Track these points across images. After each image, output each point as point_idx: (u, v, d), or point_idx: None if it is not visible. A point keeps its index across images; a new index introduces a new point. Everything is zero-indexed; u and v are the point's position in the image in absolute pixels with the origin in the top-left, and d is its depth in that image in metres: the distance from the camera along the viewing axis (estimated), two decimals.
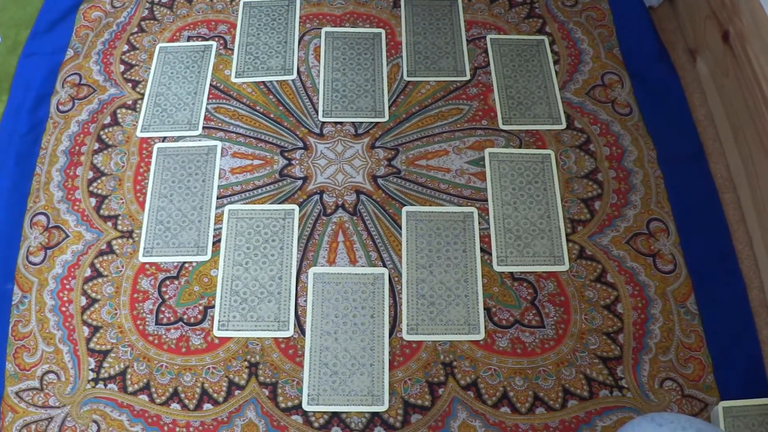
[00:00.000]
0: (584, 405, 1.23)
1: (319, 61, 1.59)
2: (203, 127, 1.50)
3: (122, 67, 1.59)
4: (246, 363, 1.26)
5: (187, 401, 1.23)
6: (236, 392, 1.24)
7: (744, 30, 1.37)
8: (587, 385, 1.24)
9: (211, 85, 1.56)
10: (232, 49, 1.61)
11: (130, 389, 1.25)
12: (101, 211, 1.41)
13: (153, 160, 1.46)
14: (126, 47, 1.62)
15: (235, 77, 1.56)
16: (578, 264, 1.35)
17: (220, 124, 1.51)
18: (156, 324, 1.30)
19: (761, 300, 1.31)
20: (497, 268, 1.34)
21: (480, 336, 1.28)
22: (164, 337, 1.29)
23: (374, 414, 1.22)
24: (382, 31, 1.63)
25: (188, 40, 1.62)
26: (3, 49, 1.62)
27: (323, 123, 1.51)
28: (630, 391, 1.24)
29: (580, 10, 1.66)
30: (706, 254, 1.36)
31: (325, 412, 1.23)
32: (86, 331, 1.30)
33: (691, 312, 1.30)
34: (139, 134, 1.49)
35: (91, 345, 1.28)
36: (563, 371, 1.25)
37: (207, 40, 1.62)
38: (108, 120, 1.51)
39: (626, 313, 1.30)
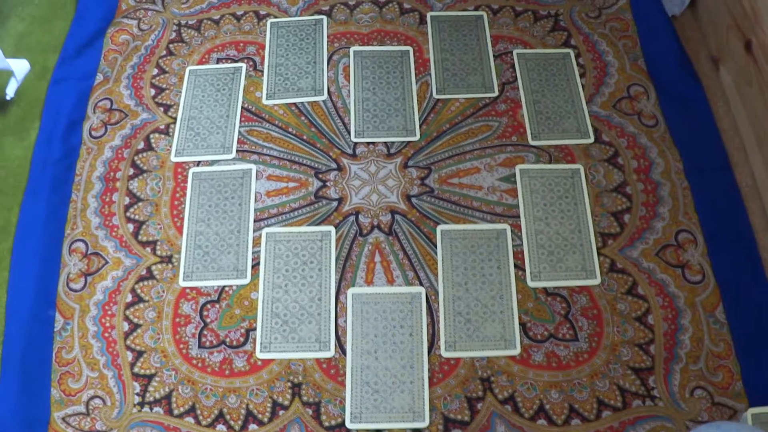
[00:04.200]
0: (618, 415, 1.25)
1: (348, 81, 1.60)
2: (237, 151, 1.52)
3: (153, 91, 1.60)
4: (289, 383, 1.29)
5: (232, 422, 1.26)
6: (280, 412, 1.27)
7: (766, 39, 1.38)
8: (620, 395, 1.27)
9: (242, 107, 1.57)
10: (262, 71, 1.62)
11: (175, 412, 1.27)
12: (139, 237, 1.43)
13: (188, 185, 1.48)
14: (156, 71, 1.63)
15: (266, 99, 1.58)
16: (609, 277, 1.37)
17: (253, 147, 1.52)
18: (199, 347, 1.32)
19: None
20: (531, 284, 1.37)
21: (516, 351, 1.31)
22: (208, 360, 1.31)
23: (416, 430, 1.25)
24: (410, 48, 1.65)
25: (217, 62, 1.64)
26: (32, 76, 1.63)
27: (356, 143, 1.53)
28: (662, 401, 1.26)
29: (604, 21, 1.67)
30: (733, 263, 1.38)
31: (367, 430, 1.25)
32: (130, 356, 1.32)
33: (720, 321, 1.32)
34: (174, 159, 1.51)
35: (136, 369, 1.31)
36: (597, 383, 1.28)
37: (236, 61, 1.64)
38: (141, 145, 1.53)
39: (657, 324, 1.32)
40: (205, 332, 1.34)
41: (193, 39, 1.68)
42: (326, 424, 1.26)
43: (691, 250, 1.39)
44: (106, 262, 1.40)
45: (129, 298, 1.37)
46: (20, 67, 1.59)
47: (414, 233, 1.42)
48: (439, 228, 1.42)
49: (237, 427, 1.26)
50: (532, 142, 1.51)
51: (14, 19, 1.72)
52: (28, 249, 1.43)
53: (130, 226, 1.44)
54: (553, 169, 1.48)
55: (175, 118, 1.57)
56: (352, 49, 1.65)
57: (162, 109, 1.58)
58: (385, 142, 1.53)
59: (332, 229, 1.42)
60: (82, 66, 1.64)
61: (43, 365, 1.32)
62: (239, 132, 1.54)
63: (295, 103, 1.58)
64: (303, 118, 1.56)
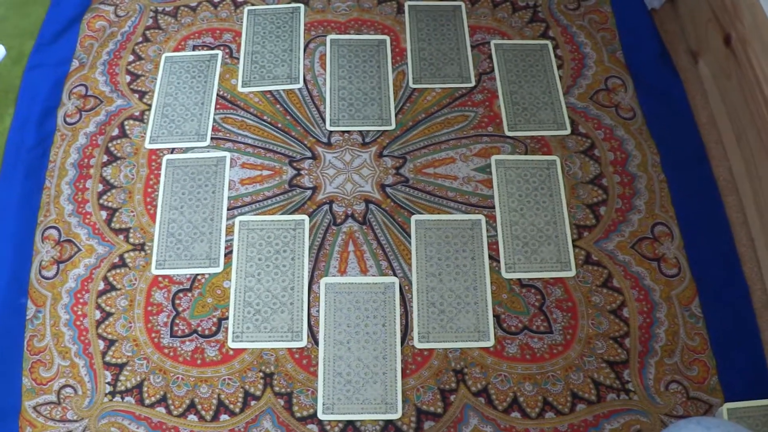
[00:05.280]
0: (592, 409, 1.25)
1: (324, 69, 1.59)
2: (211, 138, 1.51)
3: (128, 78, 1.59)
4: (261, 374, 1.28)
5: (204, 412, 1.25)
6: (252, 403, 1.26)
7: (746, 33, 1.38)
8: (595, 389, 1.26)
9: (218, 95, 1.56)
10: (238, 58, 1.61)
11: (147, 402, 1.26)
12: (112, 224, 1.41)
13: (162, 172, 1.47)
14: (131, 57, 1.62)
15: (242, 87, 1.57)
16: (585, 269, 1.37)
17: (228, 135, 1.51)
18: (171, 336, 1.31)
19: (764, 302, 1.33)
20: (505, 275, 1.36)
21: (490, 343, 1.30)
22: (179, 349, 1.30)
23: (388, 422, 1.24)
24: (387, 37, 1.64)
25: (193, 50, 1.63)
26: (8, 61, 1.61)
27: (331, 132, 1.52)
28: (636, 394, 1.26)
29: (583, 13, 1.67)
30: (709, 257, 1.38)
31: (339, 421, 1.24)
32: (101, 344, 1.31)
33: (696, 315, 1.32)
34: (148, 146, 1.50)
35: (107, 358, 1.30)
36: (571, 376, 1.27)
37: (212, 48, 1.63)
38: (116, 132, 1.52)
39: (632, 317, 1.32)
40: (177, 321, 1.33)
41: (169, 26, 1.66)
42: (298, 414, 1.25)
43: (667, 244, 1.39)
44: (79, 250, 1.39)
45: (101, 286, 1.36)
46: None
47: (388, 223, 1.41)
48: (414, 218, 1.41)
49: (208, 418, 1.25)
50: (508, 133, 1.51)
51: None
52: (0, 236, 1.41)
53: (103, 214, 1.43)
54: (529, 160, 1.47)
55: (150, 105, 1.55)
56: (329, 37, 1.63)
57: (137, 95, 1.56)
58: (360, 131, 1.52)
59: (306, 218, 1.41)
60: (58, 52, 1.62)
61: (14, 354, 1.30)
62: (214, 119, 1.53)
63: (270, 91, 1.57)
64: (278, 106, 1.55)
